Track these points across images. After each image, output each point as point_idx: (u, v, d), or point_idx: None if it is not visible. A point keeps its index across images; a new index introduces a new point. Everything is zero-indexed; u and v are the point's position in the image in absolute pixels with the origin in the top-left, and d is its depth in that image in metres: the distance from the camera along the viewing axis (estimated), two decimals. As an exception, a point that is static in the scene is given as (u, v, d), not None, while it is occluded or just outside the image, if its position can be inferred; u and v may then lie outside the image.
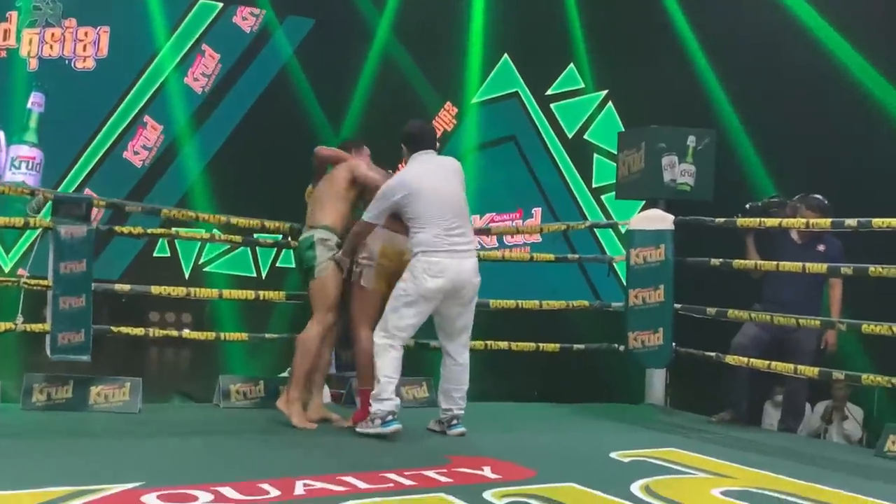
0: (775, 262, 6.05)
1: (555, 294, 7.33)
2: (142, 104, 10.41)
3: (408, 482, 4.19)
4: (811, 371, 5.81)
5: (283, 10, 10.11)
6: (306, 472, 4.21)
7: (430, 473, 4.36)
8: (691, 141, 6.82)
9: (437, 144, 5.49)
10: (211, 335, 6.33)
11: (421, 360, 6.50)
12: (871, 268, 5.48)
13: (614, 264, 7.63)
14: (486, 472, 4.49)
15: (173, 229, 6.93)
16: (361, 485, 4.08)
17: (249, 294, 6.48)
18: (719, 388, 6.57)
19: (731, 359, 6.18)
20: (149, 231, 6.57)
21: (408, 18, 9.40)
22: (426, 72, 9.55)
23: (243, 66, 10.29)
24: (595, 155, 10.15)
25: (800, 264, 5.87)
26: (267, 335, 6.48)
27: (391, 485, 4.14)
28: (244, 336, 6.40)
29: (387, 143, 8.53)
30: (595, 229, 9.94)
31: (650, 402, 6.89)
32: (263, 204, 7.05)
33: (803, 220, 6.04)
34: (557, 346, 6.59)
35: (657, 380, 6.92)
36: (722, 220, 6.41)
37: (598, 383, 7.36)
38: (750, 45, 8.44)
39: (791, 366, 5.89)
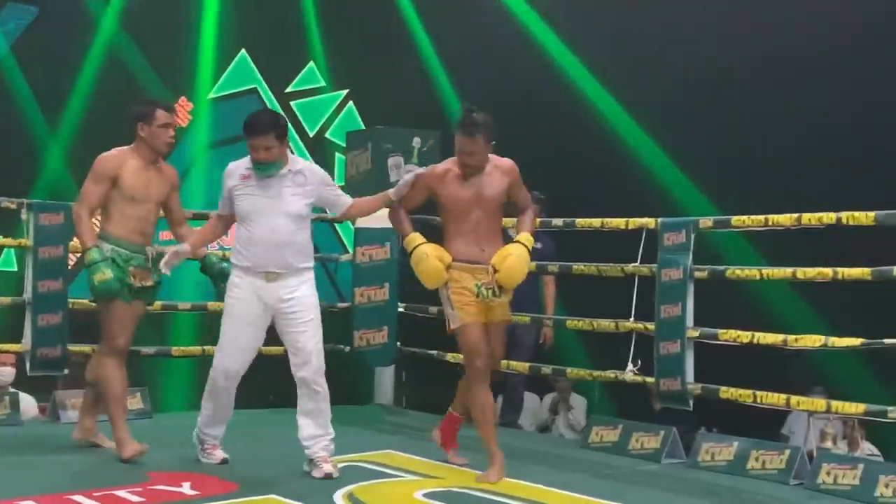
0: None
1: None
2: None
3: (92, 504, 3.97)
4: (523, 366, 5.97)
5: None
6: (-20, 500, 3.90)
7: (122, 493, 4.14)
8: (416, 142, 6.90)
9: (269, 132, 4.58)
10: None
11: (136, 368, 6.23)
12: (574, 266, 5.70)
13: (341, 262, 7.55)
14: (185, 488, 4.32)
15: None
16: (38, 511, 3.82)
17: None
18: (450, 387, 6.65)
19: (450, 357, 6.27)
20: None
21: (136, 10, 8.97)
22: (157, 66, 9.16)
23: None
24: (336, 154, 10.09)
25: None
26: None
27: (74, 509, 3.90)
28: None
29: (112, 142, 8.14)
30: (338, 228, 9.89)
31: (379, 403, 6.90)
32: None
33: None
34: (282, 348, 6.45)
35: (386, 380, 6.95)
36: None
37: (328, 385, 7.26)
38: (479, 49, 8.63)
39: (504, 362, 6.02)
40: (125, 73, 8.86)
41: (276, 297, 4.63)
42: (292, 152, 5.09)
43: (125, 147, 5.04)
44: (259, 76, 10.08)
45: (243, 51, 9.92)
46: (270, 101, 10.05)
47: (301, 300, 4.66)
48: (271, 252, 4.59)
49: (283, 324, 4.71)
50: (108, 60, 8.88)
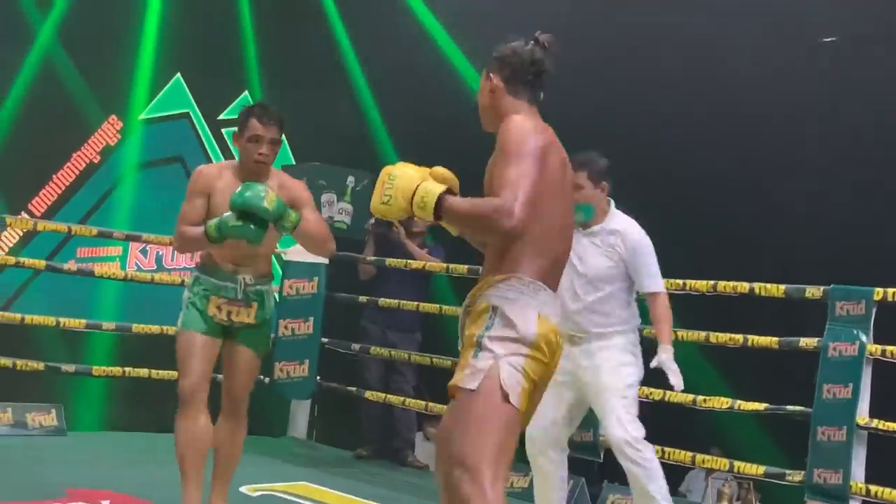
0: (415, 303, 6.33)
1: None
2: None
3: (13, 517, 3.96)
4: (419, 404, 6.13)
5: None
6: None
7: (41, 508, 4.15)
8: (350, 181, 7.05)
9: None
10: None
11: (52, 384, 6.19)
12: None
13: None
14: (104, 505, 4.34)
15: None
16: (-43, 520, 3.80)
17: None
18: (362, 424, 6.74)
19: (369, 394, 6.37)
20: None
21: (75, 25, 8.96)
22: (91, 83, 9.13)
23: None
24: (265, 185, 10.14)
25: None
26: None
27: (-7, 520, 3.89)
28: None
29: (39, 155, 8.07)
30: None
31: (293, 435, 6.94)
32: None
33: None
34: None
35: (301, 413, 6.99)
36: (373, 258, 6.63)
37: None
38: (415, 93, 8.81)
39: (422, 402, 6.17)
40: (58, 86, 8.81)
41: (575, 364, 4.26)
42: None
43: (230, 160, 4.25)
44: (192, 101, 10.11)
45: (179, 75, 9.95)
46: (202, 127, 10.09)
47: (599, 367, 4.25)
48: (567, 314, 4.12)
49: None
50: (43, 73, 8.82)
